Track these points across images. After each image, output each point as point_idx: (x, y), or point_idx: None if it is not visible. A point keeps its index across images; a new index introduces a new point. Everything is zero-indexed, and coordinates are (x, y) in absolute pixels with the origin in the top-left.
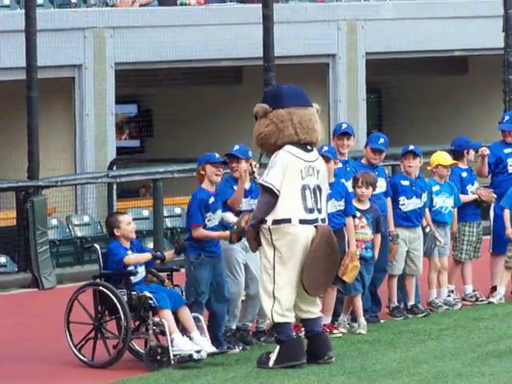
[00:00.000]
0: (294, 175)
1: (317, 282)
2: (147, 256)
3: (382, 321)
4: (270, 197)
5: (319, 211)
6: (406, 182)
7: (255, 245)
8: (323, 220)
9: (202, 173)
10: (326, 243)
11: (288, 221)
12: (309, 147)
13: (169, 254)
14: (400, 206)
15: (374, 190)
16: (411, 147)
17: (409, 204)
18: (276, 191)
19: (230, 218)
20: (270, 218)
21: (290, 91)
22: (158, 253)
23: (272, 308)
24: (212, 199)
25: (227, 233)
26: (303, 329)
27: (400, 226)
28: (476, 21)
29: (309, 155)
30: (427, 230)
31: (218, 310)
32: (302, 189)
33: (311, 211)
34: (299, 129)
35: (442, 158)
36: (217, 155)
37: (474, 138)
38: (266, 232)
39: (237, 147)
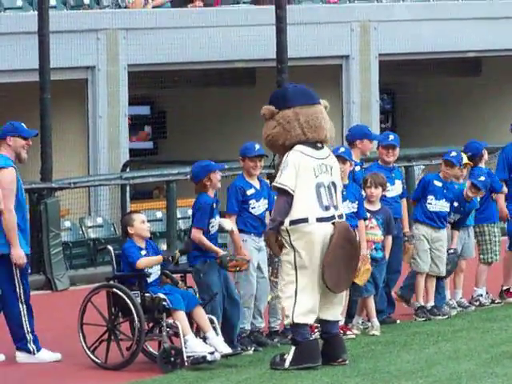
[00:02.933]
0: (306, 174)
1: (339, 279)
2: (159, 258)
3: (398, 321)
4: (286, 198)
5: (335, 208)
6: (438, 183)
7: (277, 248)
8: (340, 216)
9: (208, 183)
10: (344, 239)
11: (305, 220)
12: (319, 145)
13: (177, 253)
14: (427, 204)
15: (383, 190)
16: (453, 154)
17: (436, 205)
18: (291, 191)
19: (226, 224)
20: (286, 219)
21: (295, 91)
22: (170, 256)
23: (294, 308)
24: (214, 205)
25: (220, 252)
26: (316, 330)
27: (423, 223)
28: (490, 22)
29: (320, 153)
30: (450, 251)
31: (231, 314)
32: (317, 187)
33: (327, 208)
34: (306, 128)
35: None
36: (212, 163)
37: (487, 139)
38: (284, 233)
39: (258, 146)
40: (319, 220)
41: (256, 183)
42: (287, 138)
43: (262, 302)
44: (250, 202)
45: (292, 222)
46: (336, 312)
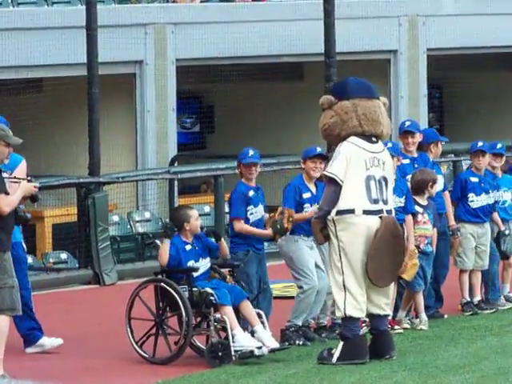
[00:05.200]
0: (357, 166)
1: (382, 272)
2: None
3: (445, 316)
4: (335, 187)
5: (385, 202)
6: (475, 179)
7: (321, 237)
8: (389, 211)
9: (239, 170)
10: (390, 233)
11: (351, 211)
12: (374, 139)
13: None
14: (469, 203)
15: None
16: (480, 144)
17: (477, 201)
18: (339, 181)
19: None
20: (333, 210)
21: (355, 83)
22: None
23: (345, 300)
24: (252, 192)
25: (270, 231)
26: (364, 325)
27: (468, 221)
28: None
29: (374, 146)
30: (507, 232)
31: (264, 308)
32: (367, 179)
33: (376, 202)
34: (363, 120)
35: None
36: (250, 153)
37: None
38: (330, 223)
39: (252, 152)
40: (366, 212)
41: (313, 187)
42: (343, 129)
43: (321, 295)
44: (305, 205)
45: (338, 213)
46: (382, 305)
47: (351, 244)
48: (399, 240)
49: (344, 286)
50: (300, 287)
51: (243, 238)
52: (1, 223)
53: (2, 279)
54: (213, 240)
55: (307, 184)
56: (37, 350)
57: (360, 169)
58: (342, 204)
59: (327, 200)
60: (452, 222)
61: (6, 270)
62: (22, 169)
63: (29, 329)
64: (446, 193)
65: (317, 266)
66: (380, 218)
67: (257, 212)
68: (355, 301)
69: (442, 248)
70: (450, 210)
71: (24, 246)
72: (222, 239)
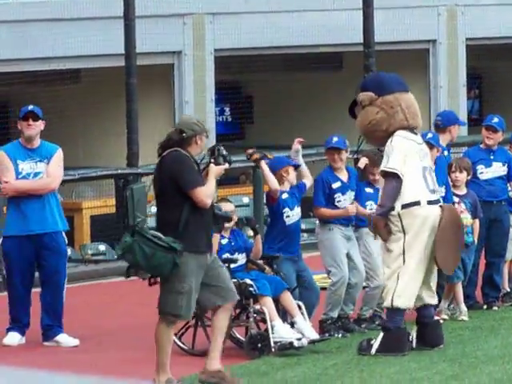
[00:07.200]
0: (413, 158)
1: (447, 260)
2: None
3: (484, 306)
4: (395, 182)
5: (438, 192)
6: None
7: (385, 233)
8: (440, 201)
9: (285, 175)
10: (452, 221)
11: (417, 203)
12: (415, 131)
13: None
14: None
15: (468, 174)
16: None
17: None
18: (400, 175)
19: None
20: (397, 204)
21: (390, 77)
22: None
23: (395, 290)
24: (285, 195)
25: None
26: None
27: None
28: None
29: (419, 138)
30: None
31: (307, 301)
32: (423, 170)
33: (433, 192)
34: (408, 114)
35: None
36: (334, 139)
37: None
38: (395, 219)
39: (336, 139)
40: (429, 203)
41: (343, 175)
42: (391, 123)
43: (356, 290)
44: (336, 195)
45: (404, 206)
46: (430, 299)
47: (417, 236)
48: (459, 227)
49: (398, 276)
50: (330, 279)
51: (276, 242)
52: (199, 221)
53: (176, 285)
54: (249, 233)
55: (336, 173)
56: (52, 345)
57: (415, 161)
58: (406, 197)
59: (389, 196)
60: None
61: (184, 274)
62: (58, 158)
63: (49, 324)
64: None
65: (351, 258)
66: (440, 207)
67: (293, 215)
68: (405, 292)
69: (495, 236)
70: None
71: (65, 237)
72: (259, 236)
